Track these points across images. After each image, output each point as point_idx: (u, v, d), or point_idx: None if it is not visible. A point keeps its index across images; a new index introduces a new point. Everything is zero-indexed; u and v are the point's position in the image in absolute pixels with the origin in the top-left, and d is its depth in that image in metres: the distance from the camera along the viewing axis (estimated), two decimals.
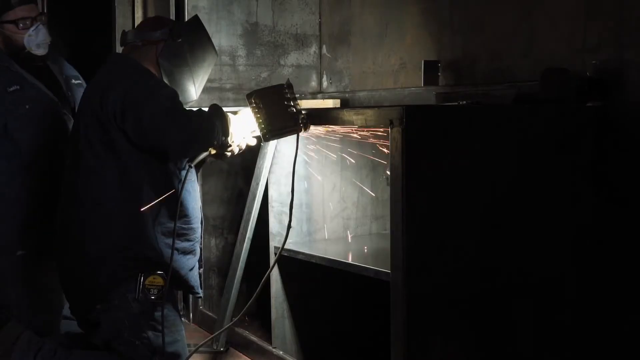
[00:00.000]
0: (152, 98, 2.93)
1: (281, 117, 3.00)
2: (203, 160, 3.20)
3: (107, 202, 3.02)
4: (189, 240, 3.16)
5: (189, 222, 3.15)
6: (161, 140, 2.92)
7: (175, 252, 3.07)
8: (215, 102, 3.45)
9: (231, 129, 3.04)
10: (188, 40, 3.18)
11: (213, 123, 2.97)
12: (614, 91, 3.06)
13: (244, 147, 3.18)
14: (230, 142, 3.07)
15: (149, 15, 5.04)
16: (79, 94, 3.58)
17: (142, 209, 2.98)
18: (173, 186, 3.05)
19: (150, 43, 3.15)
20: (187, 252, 3.15)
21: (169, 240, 3.05)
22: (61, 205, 3.19)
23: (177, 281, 3.14)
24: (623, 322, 3.07)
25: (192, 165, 3.10)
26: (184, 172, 3.08)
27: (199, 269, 3.31)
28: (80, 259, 3.06)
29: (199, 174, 3.43)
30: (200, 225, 3.24)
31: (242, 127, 3.11)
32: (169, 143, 2.92)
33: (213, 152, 3.11)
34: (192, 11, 4.60)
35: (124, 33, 3.23)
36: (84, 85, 3.69)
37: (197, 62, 3.21)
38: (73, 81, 3.74)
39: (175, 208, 3.04)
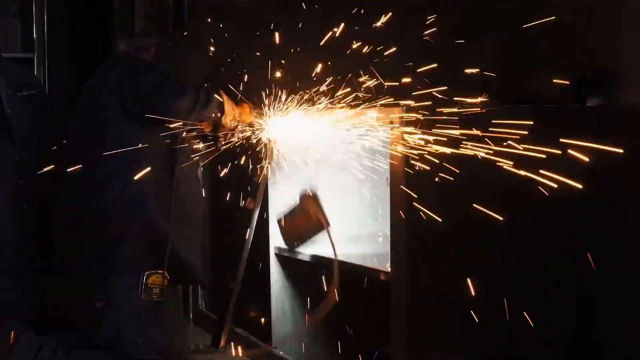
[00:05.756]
0: (147, 71, 3.07)
1: (309, 228, 3.34)
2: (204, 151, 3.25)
3: (110, 190, 3.06)
4: (187, 227, 3.18)
5: (186, 208, 3.17)
6: (159, 108, 2.99)
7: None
8: None
9: (227, 109, 3.10)
10: (179, 45, 3.28)
11: (210, 94, 3.05)
12: (614, 91, 3.06)
13: (237, 133, 3.20)
14: (224, 123, 3.10)
15: (149, 16, 5.05)
16: (28, 105, 3.49)
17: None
18: (172, 166, 3.11)
19: (143, 49, 3.23)
20: (186, 237, 3.17)
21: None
22: (63, 198, 3.23)
23: (178, 266, 3.13)
24: (622, 323, 3.07)
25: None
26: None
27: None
28: (83, 247, 3.09)
29: (200, 171, 3.44)
30: (201, 216, 3.26)
31: (239, 114, 3.14)
32: (167, 110, 2.99)
33: (207, 129, 3.14)
34: (192, 11, 4.61)
35: (117, 45, 3.30)
36: (43, 95, 3.59)
37: (190, 66, 3.29)
38: (24, 92, 3.53)
39: (172, 192, 3.09)
